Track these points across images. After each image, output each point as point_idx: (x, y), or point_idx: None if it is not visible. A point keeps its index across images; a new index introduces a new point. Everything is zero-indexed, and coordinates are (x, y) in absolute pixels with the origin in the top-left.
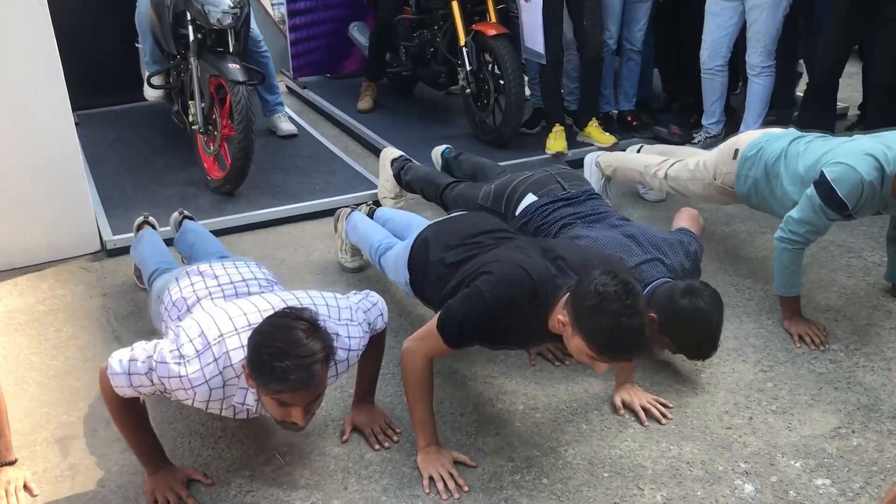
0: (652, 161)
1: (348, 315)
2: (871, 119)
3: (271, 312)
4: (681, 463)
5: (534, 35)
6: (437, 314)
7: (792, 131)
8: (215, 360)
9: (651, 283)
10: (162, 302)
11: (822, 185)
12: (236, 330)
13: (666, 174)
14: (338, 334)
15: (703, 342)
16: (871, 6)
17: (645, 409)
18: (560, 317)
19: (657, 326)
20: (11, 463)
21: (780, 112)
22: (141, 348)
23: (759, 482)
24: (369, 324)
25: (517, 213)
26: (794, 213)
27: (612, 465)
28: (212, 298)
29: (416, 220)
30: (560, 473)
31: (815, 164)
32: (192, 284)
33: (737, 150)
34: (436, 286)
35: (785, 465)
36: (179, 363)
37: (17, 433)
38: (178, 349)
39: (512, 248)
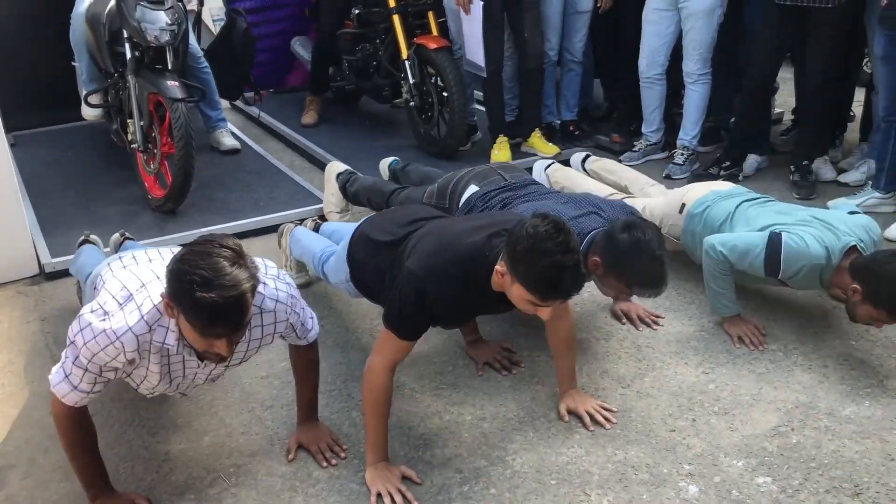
0: (600, 192)
1: (275, 272)
2: (804, 122)
3: None
4: (626, 467)
5: (474, 47)
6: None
7: (740, 190)
8: (138, 307)
9: (589, 232)
10: (96, 289)
11: (774, 242)
12: (158, 278)
13: None
14: (265, 283)
15: (649, 272)
16: (800, 13)
17: (590, 415)
18: (498, 267)
19: (602, 270)
20: None
21: (717, 118)
22: (64, 353)
23: (703, 483)
24: (302, 308)
25: (460, 204)
26: (734, 244)
27: (560, 472)
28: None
29: None
30: (508, 483)
31: (763, 230)
32: (123, 265)
33: (683, 205)
34: (377, 274)
35: (728, 466)
36: (104, 319)
37: None
38: (101, 307)
39: (438, 224)
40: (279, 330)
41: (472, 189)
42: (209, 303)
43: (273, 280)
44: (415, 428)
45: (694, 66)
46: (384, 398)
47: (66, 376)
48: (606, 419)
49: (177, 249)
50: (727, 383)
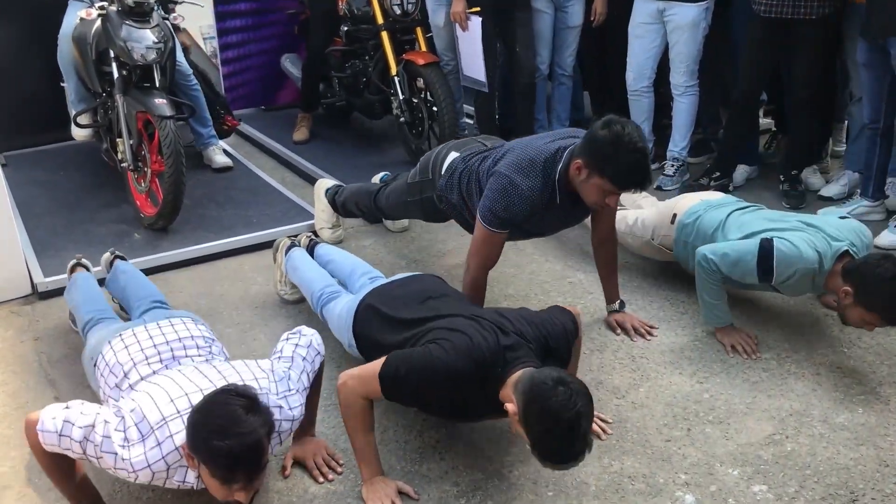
0: None
1: (286, 387)
2: (793, 133)
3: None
4: (622, 478)
5: (473, 63)
6: (383, 360)
7: (731, 199)
8: (158, 444)
9: (567, 147)
10: (97, 367)
11: (766, 248)
12: (178, 412)
13: None
14: (280, 407)
15: (632, 163)
16: (784, 26)
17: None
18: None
19: (586, 171)
20: None
21: (705, 130)
22: (78, 412)
23: (699, 492)
24: (308, 375)
25: (443, 171)
26: (725, 252)
27: (556, 484)
28: (148, 363)
29: (359, 267)
30: (505, 495)
31: (754, 236)
32: (126, 348)
33: (675, 215)
34: (391, 349)
35: (723, 474)
36: (124, 446)
37: None
38: (123, 432)
39: (470, 321)
40: (295, 428)
41: (453, 155)
42: (226, 451)
43: (285, 399)
44: (411, 441)
45: (681, 78)
46: (365, 415)
47: (60, 436)
48: (603, 430)
49: (175, 322)
50: (721, 392)
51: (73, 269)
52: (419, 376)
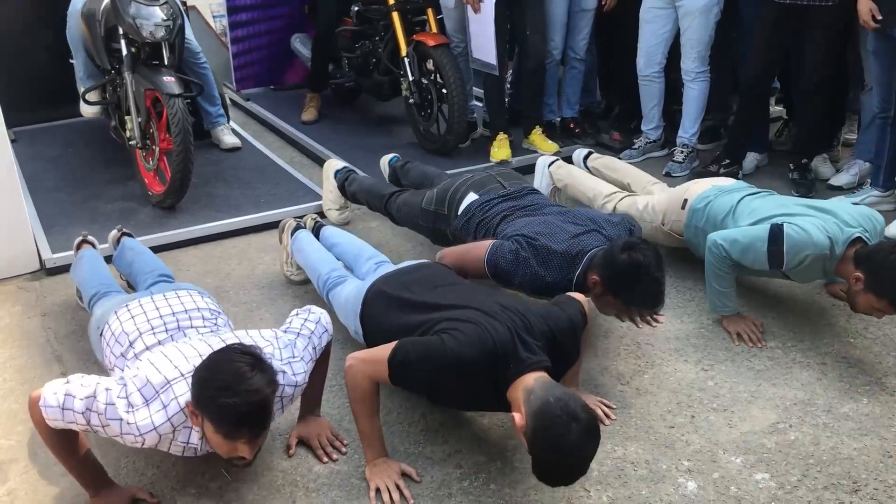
0: (602, 190)
1: (290, 353)
2: (800, 121)
3: None
4: (626, 463)
5: (484, 46)
6: (393, 345)
7: (742, 185)
8: (164, 407)
9: (589, 250)
10: (103, 336)
11: (776, 233)
12: (182, 375)
13: (615, 208)
14: (283, 372)
15: (648, 292)
16: (797, 12)
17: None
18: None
19: (601, 289)
20: None
21: (716, 117)
22: (78, 384)
23: (702, 479)
24: (314, 348)
25: (459, 212)
26: (736, 239)
27: None
28: (153, 333)
29: (364, 251)
30: (508, 478)
31: (764, 222)
32: (132, 318)
33: (685, 201)
34: (397, 334)
35: (726, 462)
36: (129, 411)
37: None
38: (127, 398)
39: (483, 314)
40: (298, 395)
41: (472, 197)
42: (232, 407)
43: (289, 364)
44: (415, 424)
45: (692, 64)
46: (371, 398)
47: (63, 410)
48: (606, 415)
49: (182, 294)
50: (726, 380)
51: (79, 246)
52: (429, 365)
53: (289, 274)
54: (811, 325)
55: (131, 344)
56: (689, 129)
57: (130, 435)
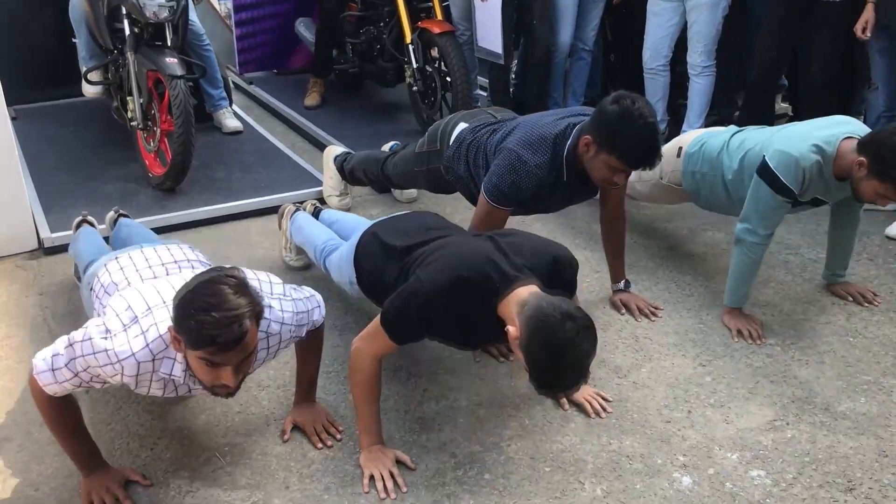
0: None
1: (280, 290)
2: (806, 118)
3: None
4: (621, 457)
5: (489, 34)
6: (380, 312)
7: (732, 128)
8: (143, 332)
9: (577, 124)
10: (93, 290)
11: (765, 173)
12: (164, 302)
13: None
14: (270, 306)
15: (642, 138)
16: (806, 9)
17: (588, 402)
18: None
19: (594, 147)
20: None
21: (721, 112)
22: (61, 340)
23: (697, 475)
24: (307, 311)
25: (451, 141)
26: (749, 210)
27: (554, 460)
28: (142, 280)
29: (362, 223)
30: (502, 469)
31: (756, 150)
32: (122, 269)
33: (680, 149)
34: (385, 281)
35: (722, 458)
36: (106, 337)
37: None
38: (104, 324)
39: (456, 239)
40: (284, 347)
41: (462, 125)
42: (210, 324)
43: (279, 300)
44: (411, 412)
45: (698, 58)
46: (373, 382)
47: (53, 370)
48: (602, 408)
49: (173, 247)
50: (724, 376)
51: (78, 226)
52: (413, 308)
53: (287, 259)
54: (811, 324)
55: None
56: (693, 123)
57: (108, 365)
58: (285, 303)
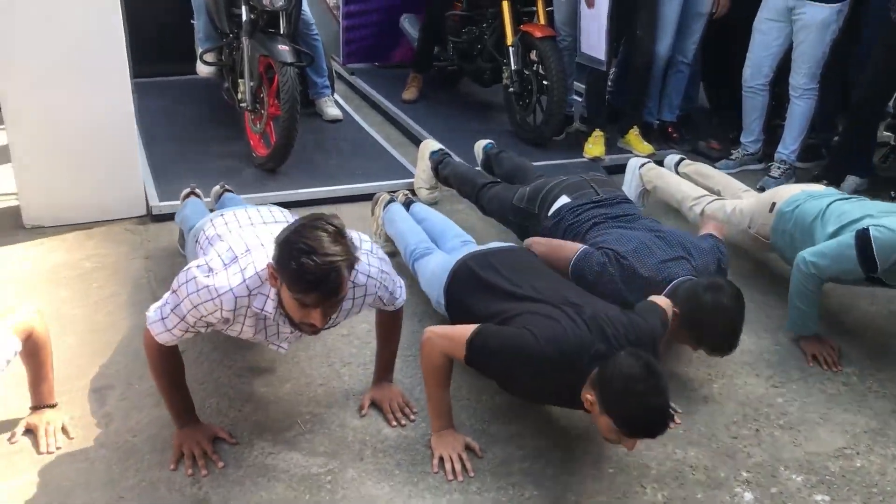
0: (691, 193)
1: (369, 247)
2: None
3: None
4: (685, 466)
5: (593, 40)
6: (475, 328)
7: (832, 191)
8: (241, 270)
9: (675, 279)
10: (198, 241)
11: (863, 241)
12: (262, 245)
13: (703, 211)
14: (359, 259)
15: (723, 337)
16: None
17: None
18: (588, 396)
19: (678, 322)
20: (52, 406)
21: (819, 136)
22: (167, 293)
23: (760, 492)
24: (392, 281)
25: (549, 213)
26: (825, 252)
27: (618, 463)
28: (241, 228)
29: (451, 229)
30: (567, 466)
31: (852, 225)
32: (226, 224)
33: (774, 204)
34: (476, 312)
35: (786, 479)
36: (208, 275)
37: (57, 380)
38: (206, 264)
39: (566, 315)
40: (368, 302)
41: (564, 200)
42: (307, 269)
43: (367, 255)
44: (483, 402)
45: (801, 79)
46: (444, 372)
47: (163, 318)
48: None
49: (274, 209)
50: (796, 399)
51: (185, 197)
52: (508, 354)
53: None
54: (891, 356)
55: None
56: (789, 145)
57: (209, 301)
58: (372, 258)
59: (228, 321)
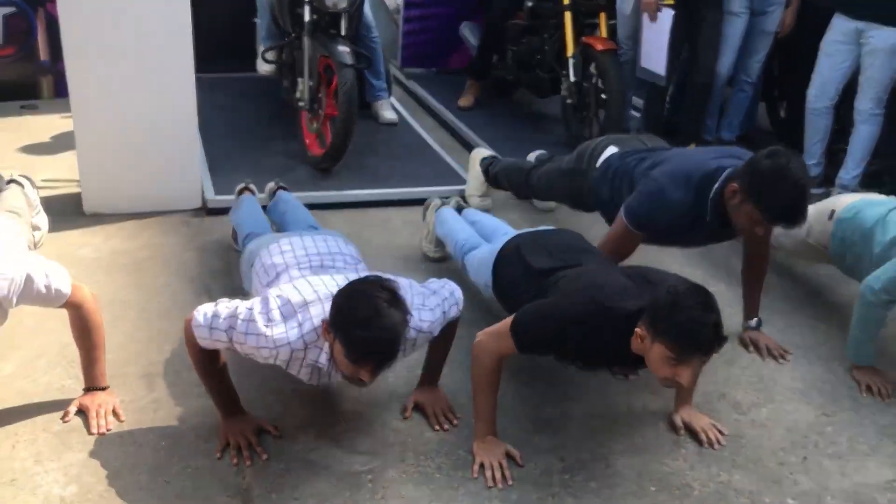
0: None
1: (421, 301)
2: None
3: None
4: (728, 489)
5: (654, 55)
6: (512, 316)
7: (892, 200)
8: (299, 324)
9: (728, 167)
10: (253, 267)
11: None
12: (320, 299)
13: None
14: (411, 315)
15: (789, 199)
16: None
17: (704, 431)
18: (637, 330)
19: (740, 196)
20: (104, 388)
21: (882, 162)
22: (224, 306)
23: None
24: (444, 312)
25: (598, 164)
26: (888, 273)
27: (661, 481)
28: (299, 268)
29: (502, 227)
30: (608, 480)
31: None
32: (282, 253)
33: (833, 211)
34: (521, 293)
35: None
36: (268, 325)
37: (109, 364)
38: (267, 313)
39: (597, 268)
40: (419, 346)
41: (612, 150)
42: (365, 340)
43: (418, 311)
44: (527, 412)
45: (867, 104)
46: (493, 377)
47: (211, 328)
48: (717, 440)
49: (330, 240)
50: (846, 429)
51: (240, 192)
52: (549, 324)
53: (426, 250)
54: None
55: (278, 275)
56: (851, 170)
57: (266, 348)
58: (424, 313)
59: (282, 366)
